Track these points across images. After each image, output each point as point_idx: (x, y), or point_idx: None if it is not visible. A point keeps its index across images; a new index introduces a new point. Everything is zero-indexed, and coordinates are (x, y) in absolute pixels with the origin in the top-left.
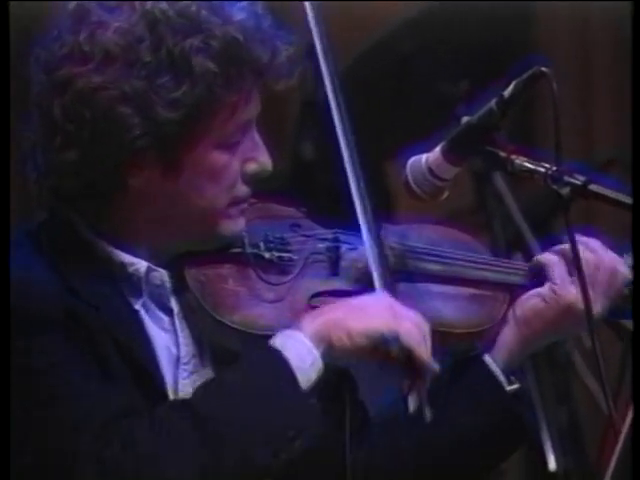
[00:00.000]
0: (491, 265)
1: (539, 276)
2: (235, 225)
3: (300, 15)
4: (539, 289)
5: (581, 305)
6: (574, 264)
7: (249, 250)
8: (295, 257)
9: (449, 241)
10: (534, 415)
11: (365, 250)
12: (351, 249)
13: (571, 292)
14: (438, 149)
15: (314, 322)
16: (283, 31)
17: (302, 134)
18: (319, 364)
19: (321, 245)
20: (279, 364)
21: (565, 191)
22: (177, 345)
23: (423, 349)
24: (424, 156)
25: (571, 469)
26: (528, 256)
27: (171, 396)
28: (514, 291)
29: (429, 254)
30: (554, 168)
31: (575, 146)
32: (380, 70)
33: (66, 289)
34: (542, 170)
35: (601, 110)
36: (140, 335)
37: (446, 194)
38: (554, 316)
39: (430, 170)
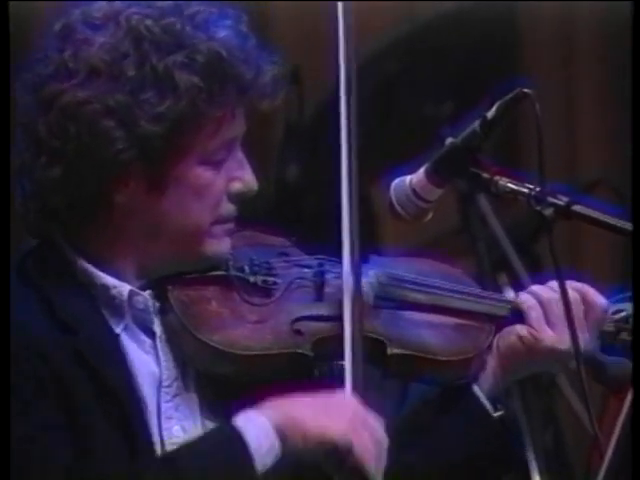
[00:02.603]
0: (477, 297)
1: (519, 313)
2: (219, 245)
3: (283, 37)
4: (518, 328)
5: (559, 346)
6: (555, 302)
7: (233, 273)
8: (279, 281)
9: (437, 273)
10: (520, 438)
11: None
12: (336, 277)
13: (547, 334)
14: (422, 171)
15: (276, 412)
16: (267, 51)
17: (286, 157)
18: (276, 452)
19: (306, 270)
20: (237, 445)
21: (548, 212)
22: (159, 368)
23: (373, 467)
24: (408, 178)
25: None
26: (513, 277)
27: (154, 419)
28: (500, 323)
29: (416, 283)
30: (537, 189)
31: (559, 166)
32: (364, 91)
33: (49, 319)
34: (525, 191)
35: (585, 130)
36: (117, 362)
37: (430, 215)
38: (531, 355)
39: (414, 192)
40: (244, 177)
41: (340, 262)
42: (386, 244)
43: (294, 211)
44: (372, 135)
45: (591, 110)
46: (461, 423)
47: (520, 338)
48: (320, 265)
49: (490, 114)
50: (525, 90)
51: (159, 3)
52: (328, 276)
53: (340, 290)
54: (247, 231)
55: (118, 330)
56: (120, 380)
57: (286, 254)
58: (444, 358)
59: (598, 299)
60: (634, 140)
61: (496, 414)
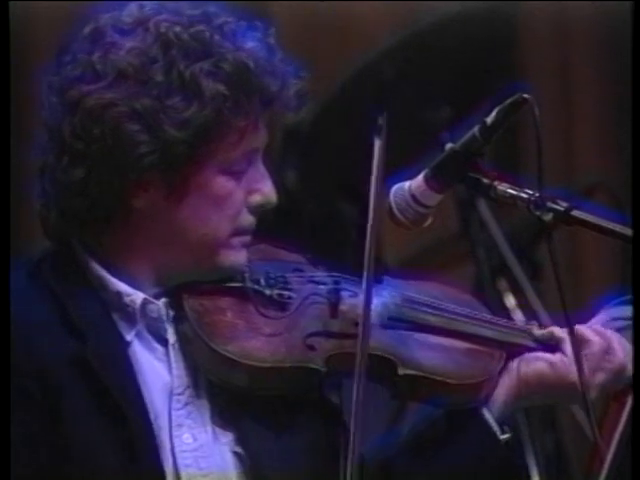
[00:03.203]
0: (488, 323)
1: (548, 344)
2: (236, 257)
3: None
4: (549, 355)
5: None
6: (595, 345)
7: (249, 285)
8: (295, 295)
9: (448, 297)
10: (523, 458)
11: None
12: (351, 295)
13: (576, 372)
14: (421, 176)
15: None
16: (293, 66)
17: (285, 164)
18: None
19: (322, 287)
20: None
21: (548, 217)
22: (171, 376)
23: None
24: (407, 183)
25: None
26: (513, 282)
27: (165, 427)
28: (510, 349)
29: (428, 306)
30: (537, 194)
31: (558, 171)
32: (362, 98)
33: (61, 323)
34: (525, 196)
35: (584, 135)
36: (124, 369)
37: (429, 221)
38: (555, 386)
39: (413, 197)
40: (264, 189)
41: (354, 280)
42: (386, 250)
43: (293, 218)
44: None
45: (590, 115)
46: (467, 444)
47: (551, 365)
48: (335, 283)
49: (489, 119)
50: (524, 95)
51: (188, 12)
52: (343, 294)
53: (354, 308)
54: (262, 245)
55: (129, 337)
56: (124, 387)
57: (301, 270)
58: (455, 382)
59: (620, 351)
60: (634, 146)
61: (503, 437)
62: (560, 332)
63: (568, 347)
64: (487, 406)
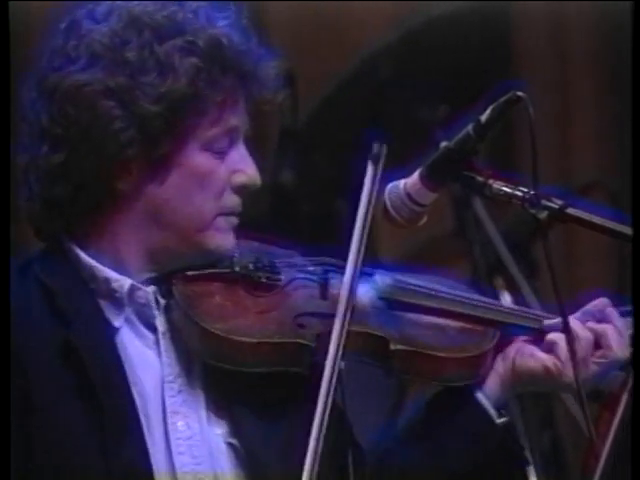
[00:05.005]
0: (483, 304)
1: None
2: (222, 239)
3: (277, 40)
4: (544, 357)
5: (575, 382)
6: (586, 342)
7: (238, 269)
8: (283, 277)
9: (443, 283)
10: (518, 443)
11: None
12: (340, 282)
13: (570, 372)
14: (416, 174)
15: None
16: (266, 48)
17: (281, 162)
18: None
19: (311, 271)
20: None
21: (543, 215)
22: (161, 363)
23: None
24: (402, 181)
25: None
26: (509, 280)
27: (159, 414)
28: (504, 329)
29: (420, 286)
30: (532, 192)
31: (553, 169)
32: (357, 97)
33: (47, 310)
34: (520, 194)
35: (579, 133)
36: (111, 355)
37: (425, 219)
38: (546, 382)
39: (408, 195)
40: (247, 170)
41: (344, 267)
42: (381, 248)
43: (290, 216)
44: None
45: (585, 113)
46: (464, 429)
47: (545, 368)
48: (325, 272)
49: (484, 117)
50: (518, 93)
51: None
52: (333, 278)
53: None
54: (255, 243)
55: (117, 324)
56: (109, 371)
57: (291, 259)
58: (446, 355)
59: (615, 343)
60: (634, 146)
61: (499, 421)
62: (555, 336)
63: (562, 351)
64: (482, 390)
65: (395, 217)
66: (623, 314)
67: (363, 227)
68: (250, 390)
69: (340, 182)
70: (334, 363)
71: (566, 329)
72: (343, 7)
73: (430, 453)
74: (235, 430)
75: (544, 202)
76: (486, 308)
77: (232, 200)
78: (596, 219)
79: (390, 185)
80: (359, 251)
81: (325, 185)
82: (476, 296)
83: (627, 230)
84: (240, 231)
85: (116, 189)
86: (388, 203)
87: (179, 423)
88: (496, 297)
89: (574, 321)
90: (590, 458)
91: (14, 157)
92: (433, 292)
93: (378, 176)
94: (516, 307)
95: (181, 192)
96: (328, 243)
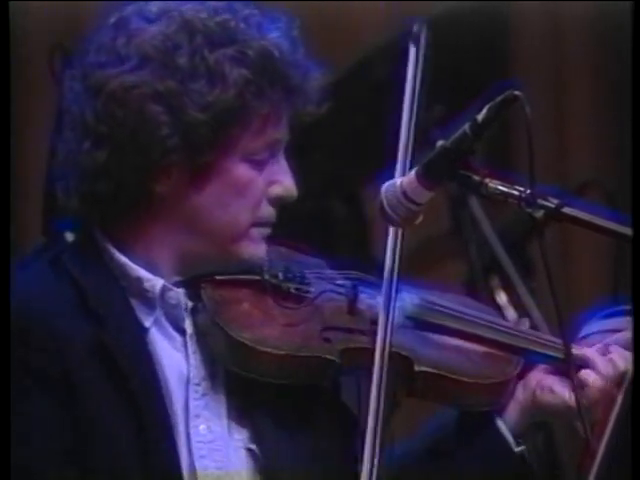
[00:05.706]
0: (507, 330)
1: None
2: (255, 249)
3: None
4: (563, 392)
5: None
6: (612, 381)
7: (267, 278)
8: (313, 290)
9: (468, 305)
10: (533, 472)
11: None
12: (369, 296)
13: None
14: (413, 173)
15: None
16: (315, 61)
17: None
18: None
19: (340, 285)
20: None
21: (539, 214)
22: (188, 365)
23: None
24: (399, 180)
25: None
26: (504, 280)
27: (181, 415)
28: (527, 357)
29: (447, 308)
30: (528, 191)
31: (550, 168)
32: (354, 96)
33: (80, 309)
34: (516, 193)
35: (576, 133)
36: (141, 354)
37: (421, 218)
38: (565, 418)
39: (405, 194)
40: (285, 182)
41: (373, 282)
42: (378, 247)
43: (289, 214)
44: (363, 138)
45: (582, 113)
46: (482, 454)
47: (565, 405)
48: (354, 283)
49: (480, 116)
50: (515, 92)
51: (213, 3)
52: (361, 293)
53: (372, 308)
54: (283, 248)
55: (147, 324)
56: (141, 372)
57: (320, 270)
58: (470, 380)
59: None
60: (634, 146)
61: (518, 449)
62: (587, 374)
63: (594, 388)
64: (501, 417)
65: (391, 216)
66: (621, 313)
67: (408, 129)
68: (272, 398)
69: (340, 182)
70: (379, 389)
71: (568, 353)
72: (343, 7)
73: (445, 471)
74: (256, 437)
75: (540, 201)
76: (510, 334)
77: (267, 211)
78: (592, 218)
79: (386, 183)
80: (392, 270)
81: (323, 184)
82: (500, 320)
83: (623, 229)
84: (269, 237)
85: (154, 192)
86: (384, 202)
87: (201, 427)
88: (492, 296)
89: (599, 357)
90: (586, 458)
91: (53, 146)
92: (459, 314)
93: (421, 57)
94: (540, 334)
95: (218, 201)
96: (324, 242)
